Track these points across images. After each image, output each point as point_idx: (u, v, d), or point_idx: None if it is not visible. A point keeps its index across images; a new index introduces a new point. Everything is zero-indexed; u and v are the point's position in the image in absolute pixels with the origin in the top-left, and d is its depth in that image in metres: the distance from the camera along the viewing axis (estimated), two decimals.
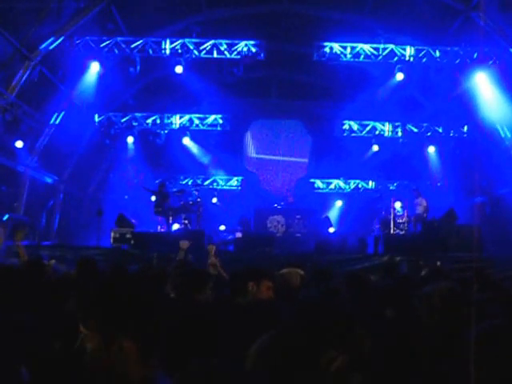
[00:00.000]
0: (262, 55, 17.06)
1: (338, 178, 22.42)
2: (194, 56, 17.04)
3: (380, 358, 2.60)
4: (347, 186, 22.56)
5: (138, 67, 16.81)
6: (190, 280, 4.82)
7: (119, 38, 16.75)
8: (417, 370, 2.66)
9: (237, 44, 17.00)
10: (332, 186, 22.60)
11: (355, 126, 20.45)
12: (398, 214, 17.84)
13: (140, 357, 2.03)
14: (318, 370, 1.89)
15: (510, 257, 13.98)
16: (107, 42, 16.64)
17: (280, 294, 5.13)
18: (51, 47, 15.59)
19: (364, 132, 20.50)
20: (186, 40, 16.91)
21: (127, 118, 19.81)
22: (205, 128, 20.40)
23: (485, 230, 15.85)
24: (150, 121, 20.06)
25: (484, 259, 13.11)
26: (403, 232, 17.37)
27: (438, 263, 12.47)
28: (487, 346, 2.13)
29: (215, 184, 22.48)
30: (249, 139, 23.15)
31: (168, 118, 20.16)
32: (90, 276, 5.62)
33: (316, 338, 1.92)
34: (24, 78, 15.27)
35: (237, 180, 22.61)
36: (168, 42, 16.93)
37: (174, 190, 18.86)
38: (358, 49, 17.02)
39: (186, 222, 17.11)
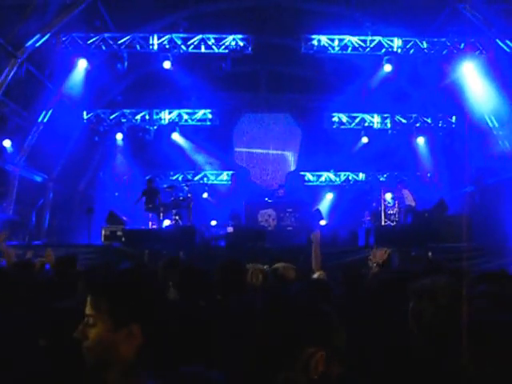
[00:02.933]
0: (250, 49, 17.05)
1: (328, 170, 22.45)
2: (181, 51, 17.00)
3: (377, 354, 2.60)
4: (337, 179, 22.60)
5: (126, 63, 16.74)
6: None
7: (106, 35, 16.67)
8: (412, 366, 2.66)
9: (224, 38, 16.99)
10: (322, 179, 22.64)
11: (344, 118, 20.48)
12: (389, 205, 17.91)
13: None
14: (297, 368, 1.88)
15: (499, 246, 14.07)
16: (94, 39, 16.56)
17: (275, 289, 5.15)
18: (37, 44, 15.48)
19: (353, 124, 20.53)
20: (174, 35, 16.87)
21: (116, 114, 19.76)
22: (194, 123, 20.38)
23: (475, 220, 15.91)
24: (138, 117, 20.01)
25: (474, 249, 13.19)
26: (394, 223, 17.42)
27: (430, 254, 12.55)
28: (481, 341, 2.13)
29: (205, 179, 22.45)
30: (238, 133, 23.12)
31: (157, 113, 20.12)
32: (68, 274, 5.57)
33: (292, 335, 1.92)
34: (10, 75, 15.17)
35: (227, 174, 22.59)
36: (155, 37, 16.87)
37: (165, 185, 18.79)
38: (345, 41, 17.03)
39: (177, 217, 17.07)
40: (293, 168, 22.90)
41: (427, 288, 3.14)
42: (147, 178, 18.74)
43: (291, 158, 23.06)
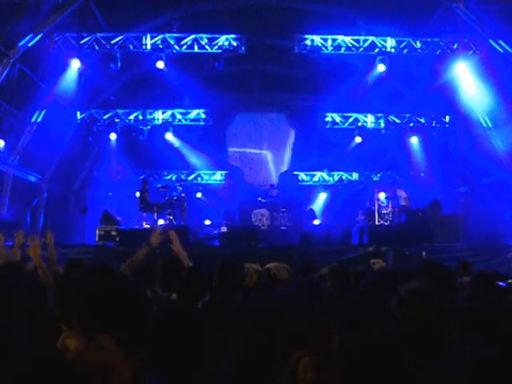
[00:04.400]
0: (243, 49, 17.05)
1: (321, 170, 22.45)
2: (174, 51, 16.99)
3: (363, 353, 2.60)
4: (331, 178, 22.60)
5: (119, 63, 16.72)
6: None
7: (99, 34, 16.63)
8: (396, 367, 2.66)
9: (217, 38, 16.97)
10: (316, 179, 22.63)
11: (338, 118, 20.47)
12: (382, 204, 17.88)
13: (125, 356, 2.00)
14: (285, 372, 1.85)
15: (492, 245, 14.14)
16: (87, 39, 16.52)
17: (267, 288, 5.15)
18: (30, 44, 15.42)
19: (347, 124, 20.53)
20: (167, 35, 16.86)
21: (109, 114, 19.72)
22: (187, 123, 20.35)
23: (468, 220, 15.97)
24: (132, 117, 19.98)
25: (467, 248, 13.24)
26: (388, 223, 17.42)
27: (424, 253, 12.60)
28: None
29: (199, 179, 22.43)
30: (232, 133, 23.12)
31: (150, 113, 20.09)
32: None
33: (279, 338, 1.88)
34: (3, 75, 15.11)
35: (221, 174, 22.58)
36: (149, 37, 16.86)
37: (158, 185, 18.79)
38: (339, 41, 17.05)
39: (171, 217, 17.07)
40: (286, 168, 22.90)
41: (404, 294, 3.18)
42: (142, 177, 18.77)
43: (284, 158, 23.06)
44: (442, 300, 3.13)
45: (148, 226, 17.11)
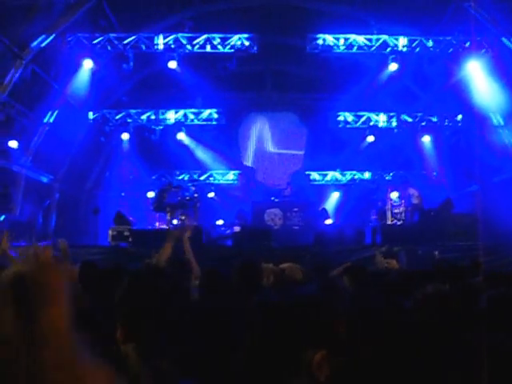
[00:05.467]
0: (256, 48, 17.06)
1: (334, 169, 22.39)
2: (187, 51, 17.02)
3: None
4: (343, 178, 22.53)
5: (132, 63, 16.76)
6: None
7: (112, 35, 16.68)
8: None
9: (230, 38, 16.99)
10: (328, 178, 22.57)
11: (350, 117, 20.41)
12: (395, 204, 17.84)
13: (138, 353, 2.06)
14: (301, 373, 1.82)
15: (505, 244, 14.04)
16: (100, 39, 16.57)
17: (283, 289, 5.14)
18: (43, 45, 15.50)
19: (359, 123, 20.45)
20: (179, 35, 16.88)
21: (122, 114, 19.75)
22: (200, 123, 20.34)
23: (481, 218, 15.86)
24: (144, 117, 19.99)
25: (481, 247, 13.15)
26: (400, 222, 17.37)
27: (436, 252, 12.55)
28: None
29: (212, 179, 22.43)
30: (244, 133, 23.11)
31: (163, 113, 20.09)
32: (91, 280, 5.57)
33: (290, 338, 1.85)
34: (16, 76, 15.19)
35: (233, 174, 22.56)
36: (161, 37, 16.89)
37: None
38: (350, 40, 17.03)
39: (184, 217, 17.09)
40: (298, 167, 22.86)
41: (421, 298, 3.17)
42: (154, 177, 18.77)
43: (297, 158, 23.03)
44: (457, 303, 3.13)
45: (164, 226, 17.13)
